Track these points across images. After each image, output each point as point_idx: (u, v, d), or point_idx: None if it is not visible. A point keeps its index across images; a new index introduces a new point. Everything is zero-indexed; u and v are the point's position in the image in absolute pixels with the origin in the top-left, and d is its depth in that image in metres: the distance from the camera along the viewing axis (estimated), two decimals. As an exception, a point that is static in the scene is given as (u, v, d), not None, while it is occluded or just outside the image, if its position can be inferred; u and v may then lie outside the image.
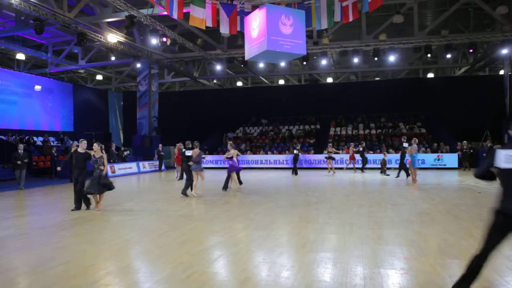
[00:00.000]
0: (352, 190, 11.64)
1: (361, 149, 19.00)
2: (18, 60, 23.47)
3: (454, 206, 8.31)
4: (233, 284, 3.90)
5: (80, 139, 8.93)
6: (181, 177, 15.59)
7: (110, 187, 8.53)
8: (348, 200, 9.64)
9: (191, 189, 10.73)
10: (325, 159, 18.93)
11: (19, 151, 13.27)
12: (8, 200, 10.73)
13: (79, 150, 8.65)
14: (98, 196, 8.46)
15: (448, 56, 20.21)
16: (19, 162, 13.12)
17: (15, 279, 4.16)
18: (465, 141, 19.95)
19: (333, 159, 18.56)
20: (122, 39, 18.79)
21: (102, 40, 18.23)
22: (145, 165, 21.88)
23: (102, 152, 8.74)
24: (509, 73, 21.39)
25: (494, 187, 12.00)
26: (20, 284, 4.04)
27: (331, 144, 20.77)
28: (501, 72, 23.76)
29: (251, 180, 15.27)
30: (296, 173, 18.15)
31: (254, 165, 23.25)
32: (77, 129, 26.28)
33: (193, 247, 5.31)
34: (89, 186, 8.33)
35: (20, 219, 7.83)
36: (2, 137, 19.63)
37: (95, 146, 8.65)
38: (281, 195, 11.02)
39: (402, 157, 14.77)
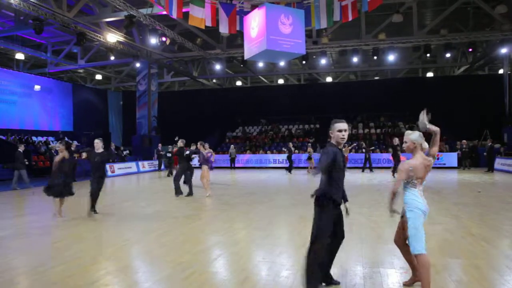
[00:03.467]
0: (351, 190, 11.64)
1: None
2: (18, 60, 23.44)
3: (453, 205, 8.31)
4: (233, 283, 3.90)
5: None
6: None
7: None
8: (348, 199, 9.62)
9: (190, 189, 10.80)
10: (306, 160, 20.10)
11: (20, 151, 13.13)
12: (7, 200, 10.73)
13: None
14: None
15: (448, 55, 20.22)
16: (26, 162, 13.12)
17: (15, 279, 4.16)
18: (464, 140, 19.97)
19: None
20: (121, 38, 18.78)
21: (102, 39, 18.21)
22: (145, 165, 21.89)
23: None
24: (509, 72, 21.41)
25: (493, 186, 12.01)
26: (20, 284, 4.04)
27: (310, 144, 21.71)
28: (501, 71, 23.78)
29: (251, 180, 15.27)
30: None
31: (254, 165, 23.26)
32: (77, 128, 26.27)
33: (193, 246, 5.31)
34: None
35: (20, 219, 7.82)
36: (2, 137, 19.61)
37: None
38: (281, 194, 11.02)
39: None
